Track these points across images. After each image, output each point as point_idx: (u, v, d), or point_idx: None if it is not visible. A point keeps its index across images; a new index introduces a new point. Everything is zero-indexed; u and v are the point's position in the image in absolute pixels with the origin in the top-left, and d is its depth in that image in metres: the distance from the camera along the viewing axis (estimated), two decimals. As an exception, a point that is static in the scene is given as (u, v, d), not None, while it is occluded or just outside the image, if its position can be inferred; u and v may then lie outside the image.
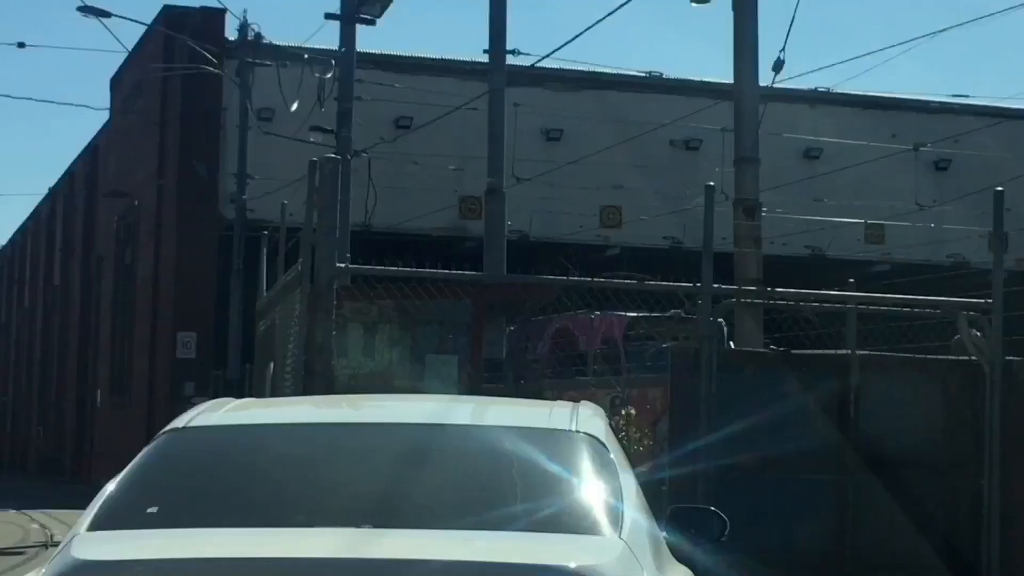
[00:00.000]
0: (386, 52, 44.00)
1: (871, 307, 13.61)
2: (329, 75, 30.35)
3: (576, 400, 13.37)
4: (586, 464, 5.89)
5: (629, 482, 5.95)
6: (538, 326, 28.29)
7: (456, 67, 44.89)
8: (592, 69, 45.81)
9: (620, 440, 11.67)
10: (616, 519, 5.47)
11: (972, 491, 12.68)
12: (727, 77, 19.46)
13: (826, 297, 13.72)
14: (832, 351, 13.19)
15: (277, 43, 38.28)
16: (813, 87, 43.03)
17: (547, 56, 26.58)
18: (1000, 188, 13.36)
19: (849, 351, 12.75)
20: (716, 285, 12.29)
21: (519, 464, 5.73)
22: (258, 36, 38.50)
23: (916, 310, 13.84)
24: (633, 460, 12.79)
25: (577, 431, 6.13)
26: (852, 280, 15.56)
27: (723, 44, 25.57)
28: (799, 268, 44.81)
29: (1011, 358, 12.76)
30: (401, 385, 13.51)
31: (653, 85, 47.49)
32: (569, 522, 5.43)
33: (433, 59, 45.98)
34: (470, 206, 42.94)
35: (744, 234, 18.16)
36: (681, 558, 6.50)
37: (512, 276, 13.27)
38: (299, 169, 16.37)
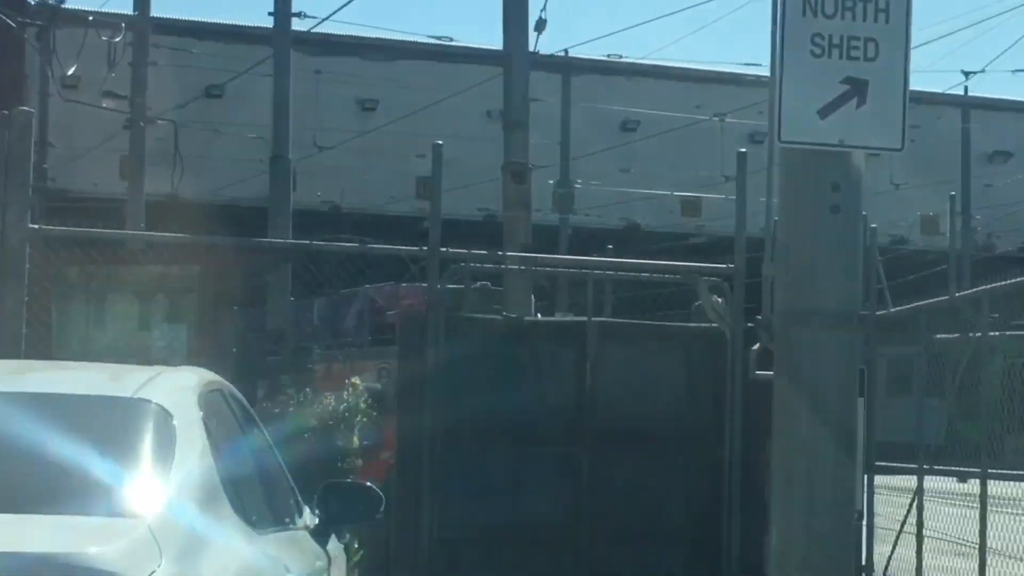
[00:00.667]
0: (195, 19, 43.27)
1: (614, 272, 13.10)
2: (119, 39, 29.21)
3: (346, 371, 12.75)
4: (134, 436, 5.17)
5: (189, 458, 5.17)
6: (349, 299, 27.74)
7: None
8: (413, 39, 45.29)
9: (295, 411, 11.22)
10: (150, 499, 4.77)
11: (714, 460, 12.28)
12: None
13: (562, 262, 13.23)
14: (568, 318, 12.73)
15: (77, 7, 37.12)
16: (607, 54, 43.19)
17: (327, 18, 25.63)
18: (743, 150, 12.93)
19: (586, 318, 12.25)
20: (444, 249, 11.71)
21: (54, 436, 4.97)
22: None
23: (666, 276, 13.33)
24: (364, 432, 12.32)
25: (137, 398, 5.37)
26: (610, 246, 15.15)
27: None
28: (613, 240, 44.79)
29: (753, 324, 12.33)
30: (126, 354, 12.77)
31: (469, 55, 47.09)
32: (93, 503, 4.70)
33: (243, 26, 44.93)
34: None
35: (513, 199, 17.69)
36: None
37: (227, 239, 12.47)
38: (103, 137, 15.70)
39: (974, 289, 12.55)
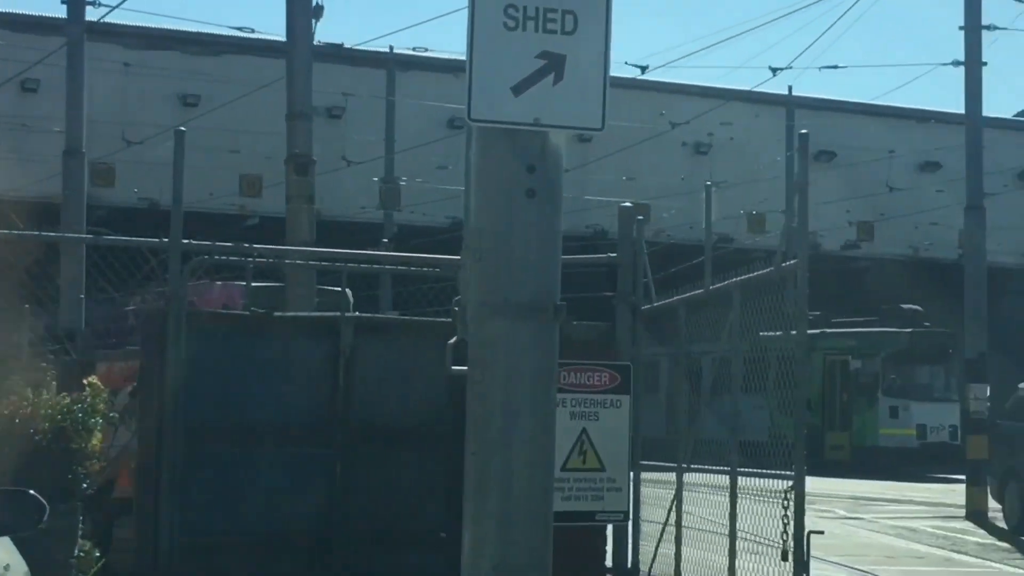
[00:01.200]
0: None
1: (368, 265, 12.55)
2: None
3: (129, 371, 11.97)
4: None
5: None
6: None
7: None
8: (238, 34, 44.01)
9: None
10: None
11: (475, 459, 11.76)
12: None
13: (319, 255, 12.66)
14: (322, 313, 12.15)
15: None
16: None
17: (116, 7, 24.50)
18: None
19: (339, 313, 11.66)
20: (187, 241, 11.11)
21: None
22: None
23: (433, 270, 12.80)
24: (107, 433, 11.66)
25: None
26: (385, 240, 14.63)
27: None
28: (438, 236, 44.64)
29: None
30: None
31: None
32: None
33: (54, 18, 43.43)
34: (101, 173, 41.08)
35: (295, 192, 17.17)
36: None
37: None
38: None
39: (726, 282, 12.16)
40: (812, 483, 34.81)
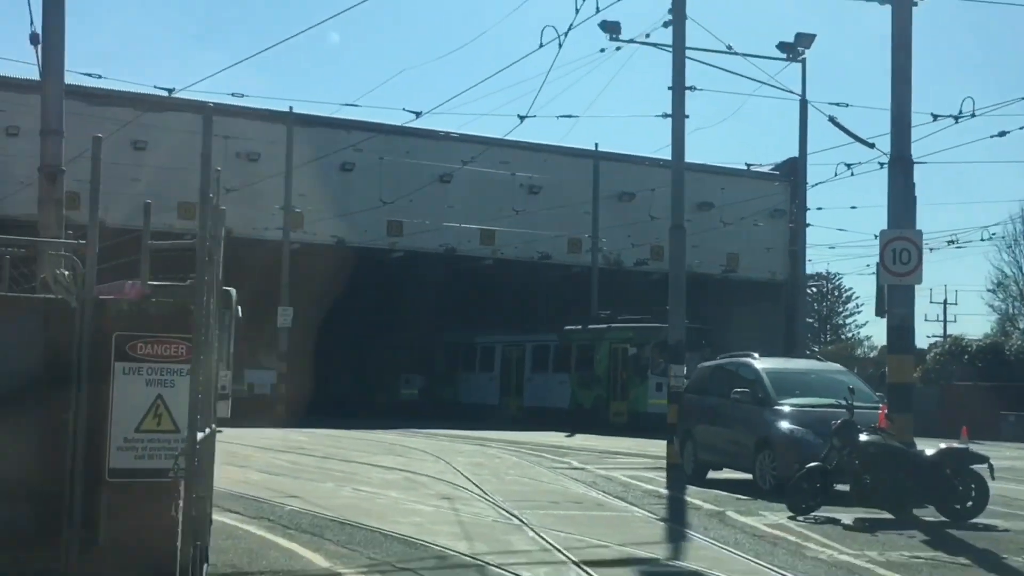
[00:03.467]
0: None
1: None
2: None
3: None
4: None
5: None
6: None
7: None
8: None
9: None
10: None
11: (59, 424, 9.55)
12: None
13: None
14: None
15: None
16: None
17: None
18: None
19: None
20: None
21: None
22: None
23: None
24: None
25: None
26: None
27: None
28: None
29: (105, 297, 9.60)
30: None
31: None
32: None
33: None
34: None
35: (45, 197, 14.88)
36: None
37: None
38: None
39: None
40: (592, 439, 32.45)
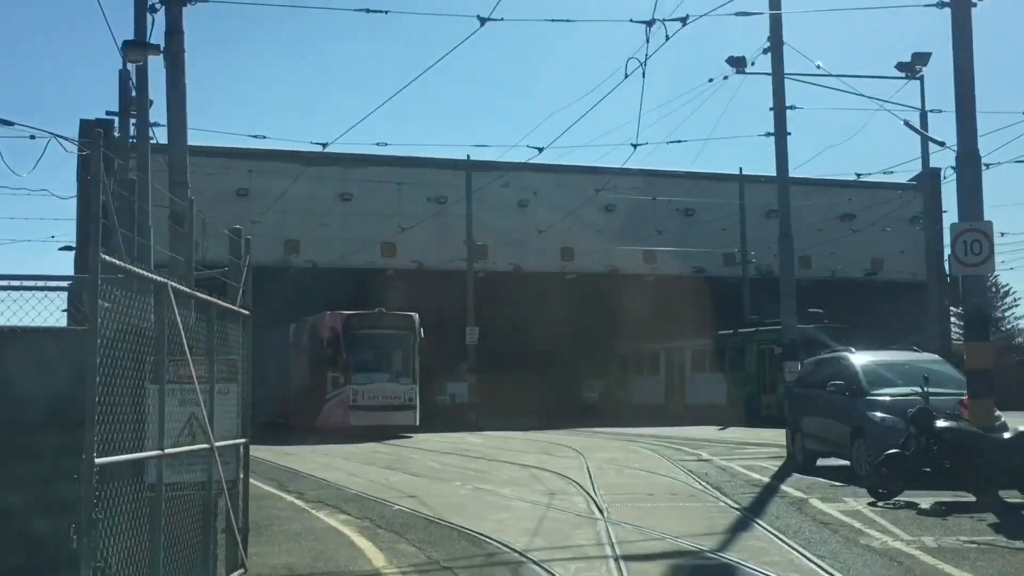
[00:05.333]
0: None
1: None
2: None
3: None
4: None
5: None
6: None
7: None
8: None
9: None
10: None
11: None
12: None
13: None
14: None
15: None
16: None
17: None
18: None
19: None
20: None
21: None
22: None
23: None
24: None
25: None
26: None
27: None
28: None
29: None
30: None
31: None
32: None
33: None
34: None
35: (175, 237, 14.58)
36: None
37: None
38: None
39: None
40: (740, 432, 30.69)
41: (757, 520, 12.33)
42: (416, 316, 33.55)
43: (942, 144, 15.95)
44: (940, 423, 13.89)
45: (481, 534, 11.36)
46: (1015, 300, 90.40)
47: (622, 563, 9.53)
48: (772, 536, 11.11)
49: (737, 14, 18.89)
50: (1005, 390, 20.72)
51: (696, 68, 78.02)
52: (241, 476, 8.89)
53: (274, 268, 41.87)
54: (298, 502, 14.76)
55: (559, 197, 45.55)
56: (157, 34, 14.17)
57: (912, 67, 35.45)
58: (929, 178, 50.09)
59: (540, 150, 24.94)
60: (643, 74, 16.84)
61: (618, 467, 19.94)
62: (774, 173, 24.43)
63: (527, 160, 44.19)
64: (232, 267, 8.71)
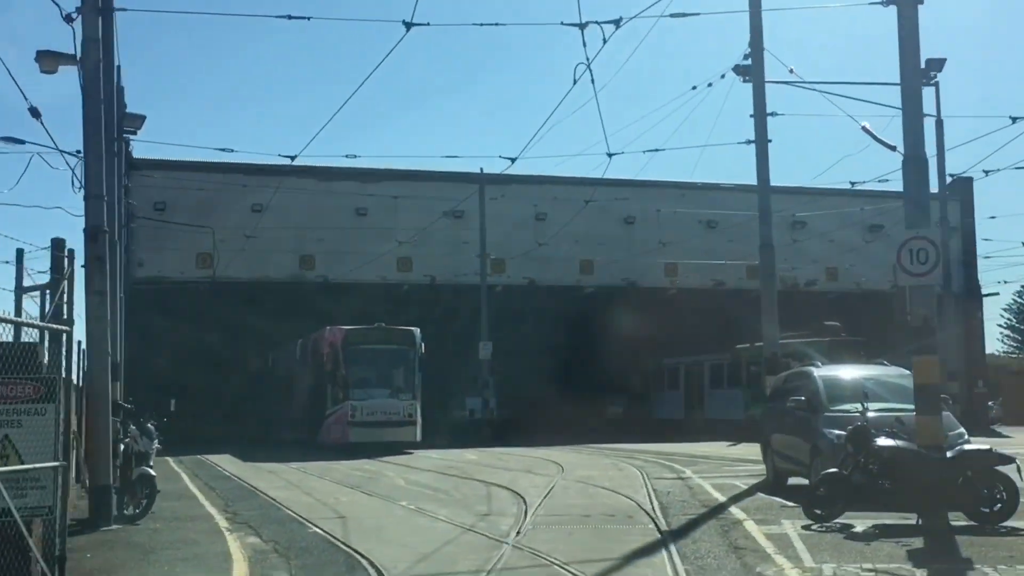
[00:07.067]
0: None
1: None
2: None
3: None
4: None
5: None
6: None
7: None
8: None
9: None
10: None
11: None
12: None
13: None
14: None
15: None
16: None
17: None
18: None
19: None
20: None
21: None
22: None
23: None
24: None
25: None
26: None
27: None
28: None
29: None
30: None
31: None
32: None
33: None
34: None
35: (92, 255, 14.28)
36: None
37: None
38: None
39: None
40: (749, 448, 29.71)
41: (671, 545, 11.70)
42: (417, 331, 33.18)
43: (893, 148, 15.18)
44: (881, 441, 13.16)
45: (369, 559, 10.87)
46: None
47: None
48: (668, 563, 10.49)
49: (672, 15, 18.37)
50: None
51: (692, 76, 77.05)
52: (60, 501, 8.48)
53: (288, 283, 41.82)
54: (221, 523, 14.36)
55: (585, 212, 45.09)
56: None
57: (927, 73, 34.56)
58: (961, 186, 48.93)
59: (512, 160, 24.04)
60: (591, 79, 16.24)
61: (584, 486, 19.32)
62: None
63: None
64: (52, 284, 8.34)
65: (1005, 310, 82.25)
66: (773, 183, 46.02)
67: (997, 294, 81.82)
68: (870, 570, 9.89)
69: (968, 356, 48.97)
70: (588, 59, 16.56)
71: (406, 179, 43.69)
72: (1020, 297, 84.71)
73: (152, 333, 38.96)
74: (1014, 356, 74.43)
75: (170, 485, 20.55)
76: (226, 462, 27.19)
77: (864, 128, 16.01)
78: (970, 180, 49.29)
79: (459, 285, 42.50)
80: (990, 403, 48.70)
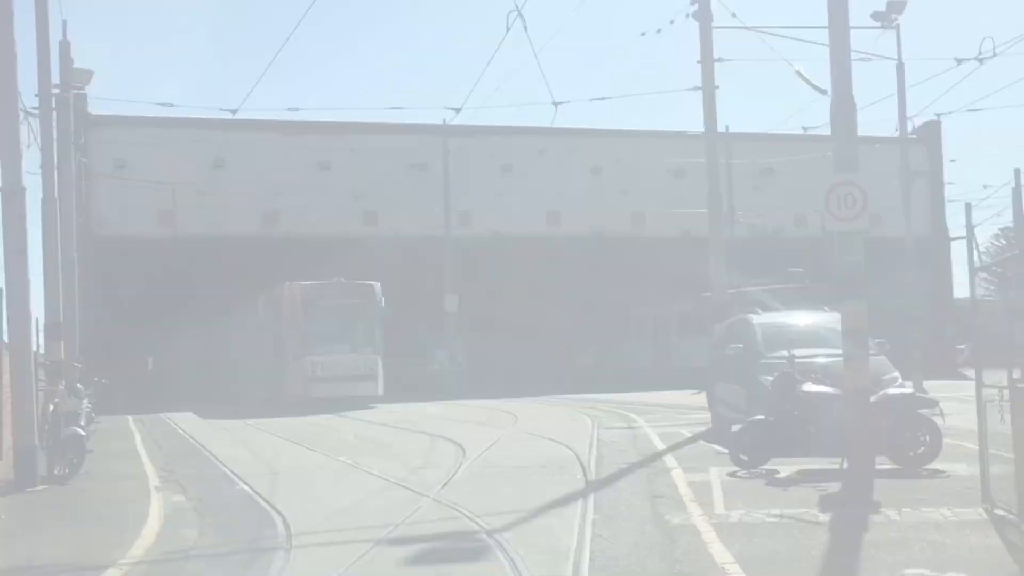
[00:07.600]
0: None
1: None
2: None
3: None
4: None
5: None
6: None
7: None
8: None
9: None
10: None
11: None
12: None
13: None
14: None
15: None
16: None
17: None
18: None
19: None
20: None
21: None
22: None
23: None
24: None
25: None
26: None
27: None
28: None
29: None
30: None
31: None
32: None
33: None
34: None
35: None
36: None
37: None
38: None
39: None
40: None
41: (591, 495, 11.70)
42: (377, 285, 33.03)
43: (824, 92, 15.04)
44: (806, 388, 13.16)
45: (283, 516, 10.84)
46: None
47: (377, 547, 8.97)
48: (579, 513, 10.48)
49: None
50: None
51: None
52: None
53: (253, 239, 41.57)
54: (152, 482, 14.32)
55: (549, 161, 44.86)
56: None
57: (887, 16, 34.33)
58: (928, 130, 48.81)
59: (457, 111, 23.78)
60: (524, 27, 16.00)
61: (529, 436, 19.35)
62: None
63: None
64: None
65: (984, 253, 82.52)
66: (737, 131, 45.79)
67: (964, 238, 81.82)
68: (777, 515, 9.91)
69: (936, 301, 49.04)
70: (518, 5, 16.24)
71: (369, 132, 43.33)
72: (997, 240, 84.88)
73: (117, 292, 38.76)
74: (990, 300, 74.75)
75: (119, 444, 20.50)
76: (184, 420, 27.13)
77: (797, 72, 15.87)
78: (938, 123, 49.15)
79: (426, 237, 42.30)
80: (960, 346, 48.90)
